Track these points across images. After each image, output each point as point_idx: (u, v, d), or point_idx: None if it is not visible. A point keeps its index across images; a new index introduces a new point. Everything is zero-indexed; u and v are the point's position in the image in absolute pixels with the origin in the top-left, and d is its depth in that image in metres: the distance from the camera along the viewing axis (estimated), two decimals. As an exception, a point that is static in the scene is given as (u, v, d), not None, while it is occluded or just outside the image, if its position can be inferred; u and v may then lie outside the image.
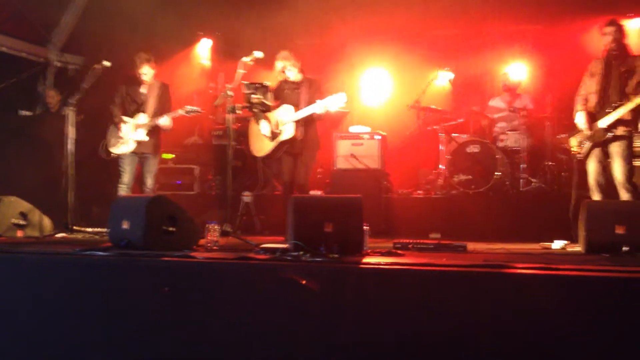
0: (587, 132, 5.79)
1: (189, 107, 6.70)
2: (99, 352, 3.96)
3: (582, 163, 5.97)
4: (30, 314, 4.16)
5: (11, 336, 4.15)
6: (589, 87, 5.86)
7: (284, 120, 6.25)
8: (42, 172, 7.72)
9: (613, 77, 5.69)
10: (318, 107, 6.07)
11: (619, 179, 5.61)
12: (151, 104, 6.87)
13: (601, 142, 5.71)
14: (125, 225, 4.69)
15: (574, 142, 5.97)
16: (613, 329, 3.20)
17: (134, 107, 6.91)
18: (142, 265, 4.14)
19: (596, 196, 5.76)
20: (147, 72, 6.84)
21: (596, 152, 5.78)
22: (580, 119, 5.87)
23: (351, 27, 9.20)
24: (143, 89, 6.92)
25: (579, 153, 5.90)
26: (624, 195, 5.58)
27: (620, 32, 5.70)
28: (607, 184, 5.77)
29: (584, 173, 5.99)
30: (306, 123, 6.27)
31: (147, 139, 6.80)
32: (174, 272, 4.00)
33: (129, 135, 6.81)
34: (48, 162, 7.72)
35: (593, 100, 5.81)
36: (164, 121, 6.75)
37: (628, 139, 5.64)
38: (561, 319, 3.25)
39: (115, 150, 6.86)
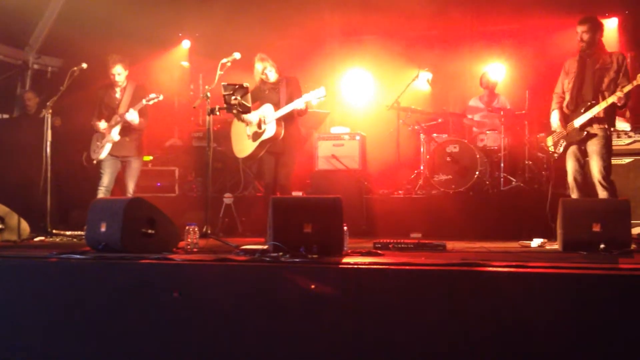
0: (563, 131, 5.85)
1: (151, 95, 6.60)
2: (77, 356, 3.93)
3: (560, 161, 6.02)
4: (7, 319, 4.12)
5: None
6: (565, 86, 5.91)
7: (266, 120, 6.24)
8: (20, 175, 7.61)
9: (587, 76, 5.73)
10: (299, 103, 6.09)
11: (597, 176, 5.64)
12: (124, 105, 6.81)
13: (578, 140, 5.76)
14: (103, 228, 4.65)
15: (550, 141, 6.03)
16: (589, 325, 3.23)
17: (109, 111, 6.86)
18: (120, 268, 4.10)
19: (575, 194, 5.81)
20: (120, 72, 6.77)
21: (574, 150, 5.83)
22: (554, 118, 5.94)
23: (330, 28, 9.22)
24: (117, 93, 6.88)
25: (556, 152, 5.96)
26: (602, 193, 5.62)
27: (593, 30, 5.69)
28: (585, 181, 5.82)
29: (561, 171, 6.05)
30: (287, 121, 6.27)
31: (118, 137, 6.73)
32: (152, 275, 3.98)
33: (106, 137, 6.76)
34: (26, 165, 7.62)
35: (568, 98, 5.86)
36: (130, 115, 6.66)
37: (604, 137, 5.67)
38: (537, 316, 3.28)
39: (96, 155, 6.80)
